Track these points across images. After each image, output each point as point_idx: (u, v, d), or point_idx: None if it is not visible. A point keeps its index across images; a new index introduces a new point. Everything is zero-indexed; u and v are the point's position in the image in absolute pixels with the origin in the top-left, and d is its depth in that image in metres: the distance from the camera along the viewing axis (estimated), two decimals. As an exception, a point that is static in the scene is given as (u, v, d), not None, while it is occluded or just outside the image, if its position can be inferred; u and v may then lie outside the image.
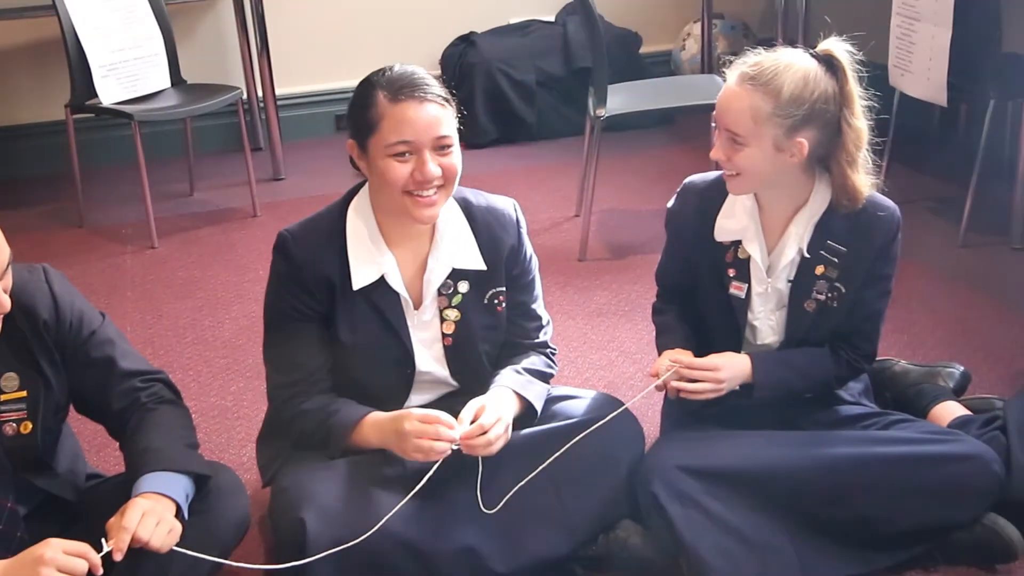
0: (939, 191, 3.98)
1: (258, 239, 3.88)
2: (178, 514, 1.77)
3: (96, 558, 1.63)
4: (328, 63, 4.97)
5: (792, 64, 1.99)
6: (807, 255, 2.11)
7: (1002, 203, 3.54)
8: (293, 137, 4.80)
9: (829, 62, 2.01)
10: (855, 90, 2.01)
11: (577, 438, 2.01)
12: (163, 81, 4.06)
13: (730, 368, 2.09)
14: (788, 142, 1.99)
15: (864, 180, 2.07)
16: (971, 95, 3.58)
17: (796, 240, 2.11)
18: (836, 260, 2.11)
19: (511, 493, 1.97)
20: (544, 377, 2.16)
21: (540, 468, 1.98)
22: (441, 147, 1.95)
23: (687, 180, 2.23)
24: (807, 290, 2.13)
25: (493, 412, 1.95)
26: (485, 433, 1.92)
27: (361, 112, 1.95)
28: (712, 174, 2.22)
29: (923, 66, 3.46)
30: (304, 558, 1.84)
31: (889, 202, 2.16)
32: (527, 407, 2.08)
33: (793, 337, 2.17)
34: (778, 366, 2.14)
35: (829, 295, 2.13)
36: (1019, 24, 3.34)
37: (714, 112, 2.05)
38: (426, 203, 1.96)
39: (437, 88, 1.96)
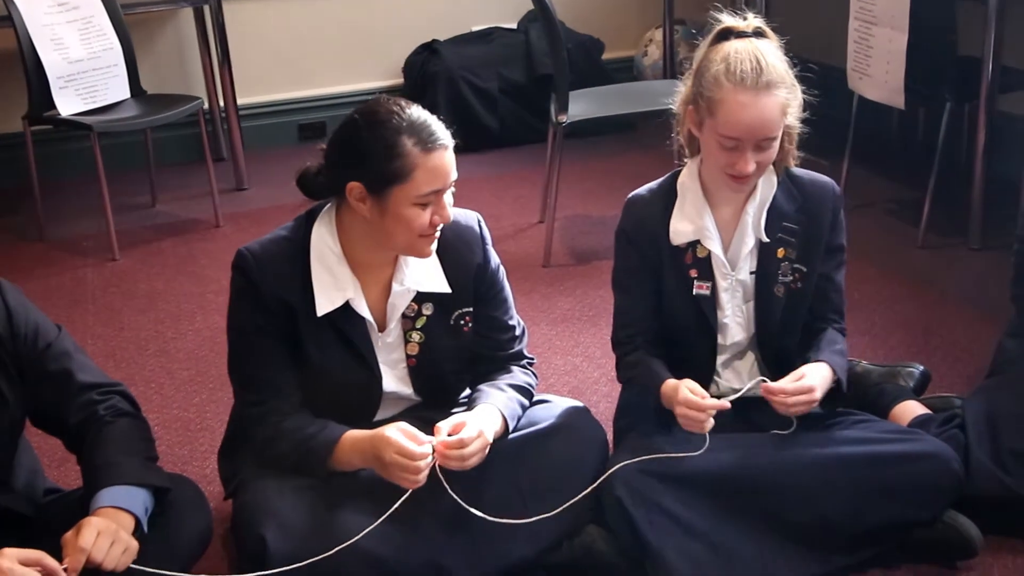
0: (899, 193, 4.02)
1: (221, 250, 3.85)
2: (138, 528, 1.76)
3: (53, 563, 1.62)
4: (290, 72, 4.96)
5: (763, 49, 2.01)
6: (766, 239, 2.13)
7: (960, 205, 3.58)
8: (256, 147, 4.77)
9: (760, 33, 2.06)
10: (780, 44, 2.08)
11: (587, 490, 2.02)
12: (123, 92, 4.02)
13: (821, 384, 2.05)
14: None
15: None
16: (928, 98, 3.63)
17: (753, 228, 2.13)
18: (793, 240, 2.14)
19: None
20: (528, 394, 2.15)
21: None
22: (448, 186, 1.96)
23: (629, 197, 2.23)
24: (773, 276, 2.15)
25: (474, 428, 1.93)
26: (463, 448, 1.90)
27: (385, 161, 1.89)
28: (651, 184, 2.23)
29: (881, 70, 3.50)
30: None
31: (824, 176, 2.21)
32: (505, 427, 2.07)
33: (766, 328, 2.18)
34: (837, 357, 2.12)
35: (793, 277, 2.15)
36: (974, 28, 3.38)
37: (734, 132, 1.99)
38: (433, 240, 1.98)
39: (443, 128, 1.95)
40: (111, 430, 1.87)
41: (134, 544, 1.71)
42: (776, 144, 2.04)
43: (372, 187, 1.92)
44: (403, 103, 1.94)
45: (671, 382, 2.08)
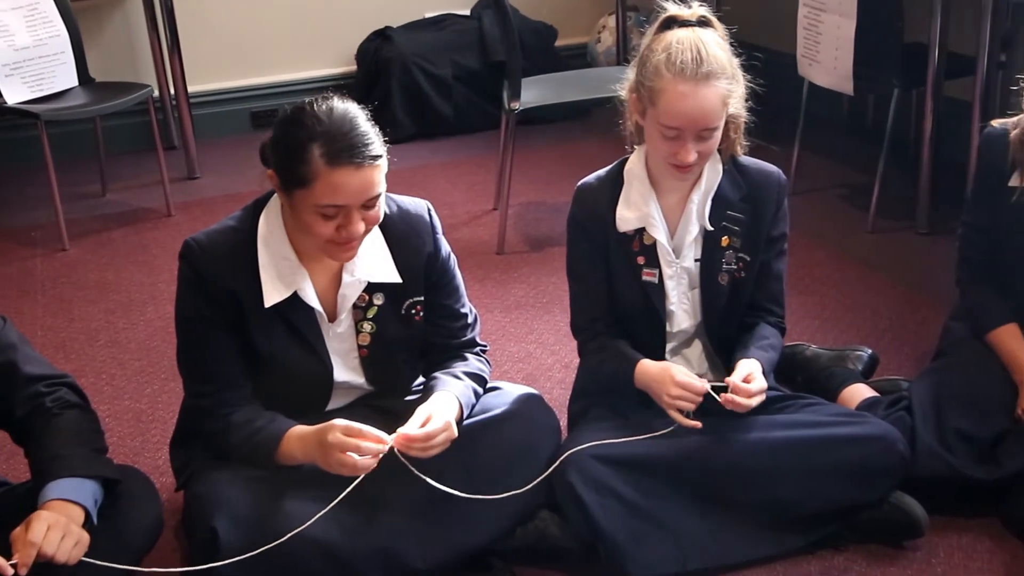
0: (848, 179, 4.06)
1: (172, 239, 3.82)
2: (87, 521, 1.75)
3: (3, 564, 1.60)
4: (242, 59, 4.92)
5: (705, 39, 2.02)
6: (711, 228, 2.15)
7: (909, 190, 3.63)
8: (207, 135, 4.73)
9: (704, 23, 2.07)
10: (725, 34, 2.09)
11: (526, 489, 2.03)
12: (70, 80, 3.97)
13: (759, 378, 2.07)
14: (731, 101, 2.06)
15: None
16: (876, 84, 3.66)
17: (697, 216, 2.15)
18: (738, 229, 2.16)
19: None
20: (482, 381, 2.16)
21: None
22: (370, 204, 1.90)
23: (579, 184, 2.23)
24: (717, 264, 2.17)
25: (441, 419, 1.93)
26: (429, 440, 1.90)
27: (292, 163, 1.85)
28: (600, 171, 2.24)
29: (830, 56, 3.53)
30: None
31: (770, 165, 2.23)
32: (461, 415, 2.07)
33: (711, 315, 2.20)
34: (764, 352, 2.14)
35: (737, 265, 2.17)
36: (921, 14, 3.41)
37: (674, 122, 1.99)
38: (346, 249, 1.94)
39: (373, 143, 1.87)
40: (58, 422, 1.85)
41: (85, 537, 1.70)
42: (718, 134, 2.05)
43: (281, 182, 1.90)
44: (335, 108, 1.87)
45: (649, 363, 2.11)
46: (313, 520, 1.87)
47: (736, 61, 2.06)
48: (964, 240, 2.40)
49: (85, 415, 1.92)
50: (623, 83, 2.16)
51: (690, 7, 2.09)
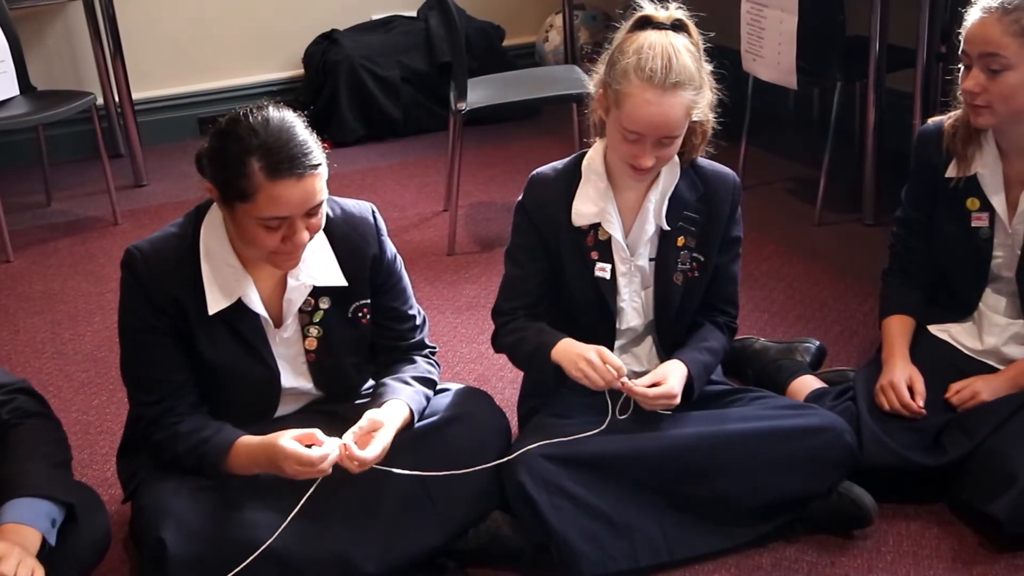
0: (795, 172, 4.10)
1: (119, 248, 3.69)
2: (44, 544, 1.72)
3: None
4: (187, 65, 4.87)
5: (677, 45, 2.00)
6: (667, 227, 2.15)
7: (854, 182, 3.66)
8: (154, 142, 4.68)
9: (679, 26, 2.06)
10: (699, 39, 2.08)
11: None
12: (11, 89, 3.91)
13: (679, 382, 2.09)
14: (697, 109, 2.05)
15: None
16: (820, 78, 3.70)
17: (654, 215, 2.15)
18: (693, 229, 2.17)
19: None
20: (431, 384, 2.15)
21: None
22: (313, 211, 1.89)
23: (533, 173, 2.23)
24: (672, 263, 2.18)
25: (390, 432, 1.94)
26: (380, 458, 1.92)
27: (231, 177, 1.83)
28: (556, 163, 2.24)
29: (773, 51, 3.56)
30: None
31: (725, 167, 2.24)
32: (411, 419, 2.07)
33: (664, 315, 2.21)
34: (699, 354, 2.16)
35: (691, 265, 2.18)
36: (862, 7, 3.45)
37: (636, 127, 1.99)
38: (290, 258, 1.93)
39: (312, 152, 1.85)
40: (16, 434, 1.82)
41: (40, 571, 1.66)
42: (678, 142, 2.06)
43: (221, 196, 1.89)
44: (271, 118, 1.85)
45: (572, 341, 2.10)
46: (275, 536, 1.86)
47: (706, 68, 2.05)
48: (894, 235, 2.46)
49: (45, 424, 1.88)
50: (590, 77, 2.15)
51: (667, 8, 2.07)
